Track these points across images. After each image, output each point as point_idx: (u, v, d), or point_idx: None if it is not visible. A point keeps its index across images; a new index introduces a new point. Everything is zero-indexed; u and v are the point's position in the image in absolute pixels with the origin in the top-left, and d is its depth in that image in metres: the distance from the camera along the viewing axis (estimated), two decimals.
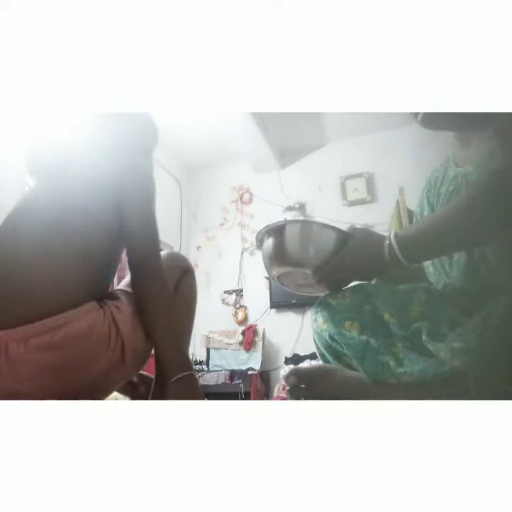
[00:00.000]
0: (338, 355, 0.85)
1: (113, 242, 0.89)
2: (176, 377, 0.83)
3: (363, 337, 0.78)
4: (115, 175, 0.89)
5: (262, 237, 0.94)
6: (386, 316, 0.78)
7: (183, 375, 0.84)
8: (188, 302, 1.04)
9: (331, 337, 0.83)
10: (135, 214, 0.88)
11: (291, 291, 1.00)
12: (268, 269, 0.94)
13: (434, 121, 0.86)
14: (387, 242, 0.79)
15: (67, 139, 0.93)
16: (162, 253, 0.94)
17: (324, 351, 0.88)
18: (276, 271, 0.92)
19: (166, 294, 0.89)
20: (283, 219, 0.97)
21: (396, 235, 0.79)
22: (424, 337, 0.71)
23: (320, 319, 0.86)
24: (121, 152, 0.92)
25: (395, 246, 0.78)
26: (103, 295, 0.87)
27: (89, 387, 0.79)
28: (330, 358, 0.87)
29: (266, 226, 0.92)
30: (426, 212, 0.99)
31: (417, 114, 0.86)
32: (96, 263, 0.85)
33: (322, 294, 0.93)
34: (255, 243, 0.99)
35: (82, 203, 0.85)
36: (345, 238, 0.86)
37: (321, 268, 0.85)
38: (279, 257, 0.90)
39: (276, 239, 0.90)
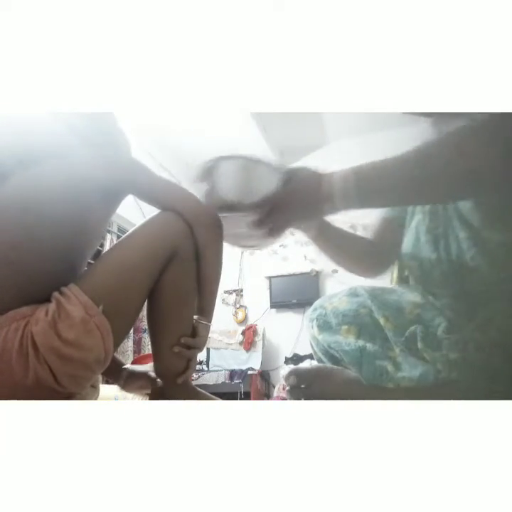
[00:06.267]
0: (336, 360, 0.85)
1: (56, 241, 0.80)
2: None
3: (360, 342, 0.77)
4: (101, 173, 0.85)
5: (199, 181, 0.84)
6: (382, 320, 0.77)
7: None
8: (177, 301, 0.88)
9: (328, 345, 0.83)
10: (156, 191, 0.90)
11: (236, 246, 0.91)
12: None
13: None
14: (329, 178, 0.72)
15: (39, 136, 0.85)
16: (148, 228, 0.87)
17: (322, 356, 0.87)
18: None
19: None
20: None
21: (343, 172, 0.72)
22: (419, 344, 0.70)
23: (315, 329, 0.85)
24: (106, 147, 0.88)
25: (338, 182, 0.70)
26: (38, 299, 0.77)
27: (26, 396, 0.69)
28: (328, 363, 0.86)
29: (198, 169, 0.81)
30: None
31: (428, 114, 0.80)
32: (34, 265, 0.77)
33: (264, 245, 0.87)
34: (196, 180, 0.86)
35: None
36: (287, 176, 0.78)
37: (258, 209, 0.78)
38: (212, 200, 0.81)
39: (209, 180, 0.82)
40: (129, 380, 0.98)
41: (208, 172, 0.81)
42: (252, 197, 0.78)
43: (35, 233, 0.78)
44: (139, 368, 0.99)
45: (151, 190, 0.91)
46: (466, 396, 0.59)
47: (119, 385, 1.00)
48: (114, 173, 0.86)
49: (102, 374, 1.02)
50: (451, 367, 0.64)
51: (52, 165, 0.83)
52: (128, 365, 1.00)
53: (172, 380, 0.90)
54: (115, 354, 1.00)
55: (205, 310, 0.94)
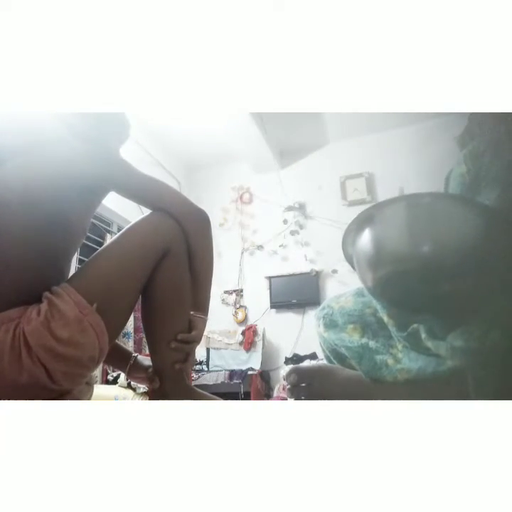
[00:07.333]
0: (341, 358, 0.86)
1: (53, 239, 0.80)
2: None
3: (364, 340, 0.79)
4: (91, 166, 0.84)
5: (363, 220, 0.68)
6: (385, 318, 0.79)
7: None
8: (171, 297, 0.88)
9: (333, 342, 0.85)
10: (143, 190, 0.90)
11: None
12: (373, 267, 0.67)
13: None
14: None
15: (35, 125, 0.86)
16: (140, 227, 0.87)
17: (329, 354, 0.89)
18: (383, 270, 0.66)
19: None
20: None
21: None
22: (423, 335, 0.71)
23: (322, 327, 0.88)
24: (99, 143, 0.88)
25: None
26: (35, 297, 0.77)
27: (20, 394, 0.70)
28: (334, 361, 0.88)
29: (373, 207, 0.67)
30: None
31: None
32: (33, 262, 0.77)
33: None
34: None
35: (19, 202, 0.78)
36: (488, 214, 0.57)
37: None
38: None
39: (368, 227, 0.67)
40: (133, 368, 0.99)
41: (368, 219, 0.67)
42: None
43: (18, 229, 0.77)
44: (146, 360, 1.01)
45: (137, 189, 0.91)
46: (465, 391, 0.59)
47: (123, 372, 1.02)
48: (97, 170, 0.86)
49: (109, 363, 1.03)
50: (455, 353, 0.64)
51: (36, 156, 0.82)
52: (137, 355, 1.01)
53: (171, 376, 0.90)
54: (122, 345, 1.02)
55: (200, 304, 0.96)
